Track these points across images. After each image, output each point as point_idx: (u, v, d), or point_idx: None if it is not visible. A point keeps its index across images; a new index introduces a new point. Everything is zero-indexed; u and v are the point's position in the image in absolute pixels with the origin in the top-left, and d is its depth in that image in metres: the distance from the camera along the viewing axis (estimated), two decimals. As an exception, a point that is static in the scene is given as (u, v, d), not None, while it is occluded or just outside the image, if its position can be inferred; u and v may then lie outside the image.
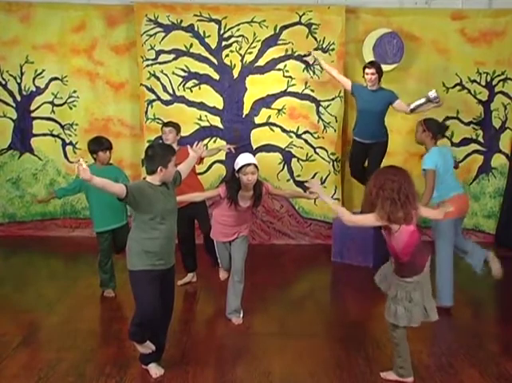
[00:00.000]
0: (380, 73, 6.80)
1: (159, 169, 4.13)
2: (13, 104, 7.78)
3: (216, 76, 7.60)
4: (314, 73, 7.57)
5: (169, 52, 7.53)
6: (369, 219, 4.07)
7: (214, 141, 7.62)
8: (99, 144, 5.65)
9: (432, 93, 6.50)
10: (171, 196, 4.26)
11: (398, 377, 4.31)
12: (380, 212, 3.96)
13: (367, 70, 6.80)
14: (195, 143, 4.78)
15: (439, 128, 5.64)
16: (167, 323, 4.42)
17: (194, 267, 6.23)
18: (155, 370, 4.37)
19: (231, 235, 5.24)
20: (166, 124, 6.12)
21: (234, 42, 7.53)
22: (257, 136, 7.69)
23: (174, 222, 4.30)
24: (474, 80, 7.72)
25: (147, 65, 7.53)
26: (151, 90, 7.58)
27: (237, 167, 4.95)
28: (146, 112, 7.61)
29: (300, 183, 7.76)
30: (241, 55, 7.56)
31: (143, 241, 4.13)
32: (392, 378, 4.33)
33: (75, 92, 7.71)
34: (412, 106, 6.64)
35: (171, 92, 7.61)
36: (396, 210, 3.94)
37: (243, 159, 4.97)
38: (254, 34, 7.51)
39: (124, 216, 5.79)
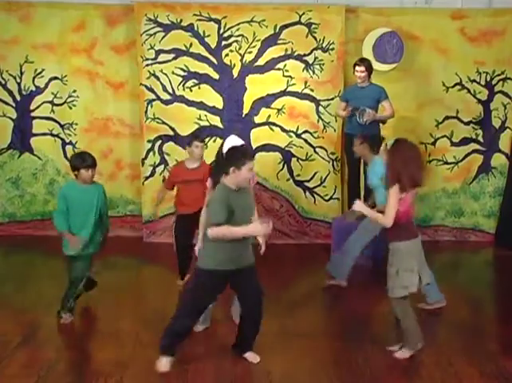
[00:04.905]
0: (369, 70, 6.98)
1: (231, 170, 4.19)
2: (13, 104, 7.77)
3: (216, 76, 7.60)
4: (314, 72, 7.58)
5: (169, 51, 7.52)
6: (394, 197, 4.39)
7: (214, 141, 7.61)
8: (81, 161, 5.12)
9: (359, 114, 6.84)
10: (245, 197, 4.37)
11: (412, 350, 4.63)
12: (405, 178, 4.36)
13: (357, 68, 6.97)
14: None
15: (374, 140, 5.98)
16: None
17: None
18: (165, 364, 4.39)
19: None
20: (198, 138, 5.96)
21: (233, 42, 7.53)
22: (257, 136, 7.68)
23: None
24: (474, 80, 7.72)
25: (147, 65, 7.53)
26: (151, 90, 7.58)
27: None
28: (146, 112, 7.60)
29: (300, 183, 7.77)
30: (240, 55, 7.55)
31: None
32: (407, 355, 4.62)
33: (75, 91, 7.70)
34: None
35: (170, 91, 7.60)
36: (419, 171, 4.44)
37: (233, 141, 4.68)
38: (254, 34, 7.50)
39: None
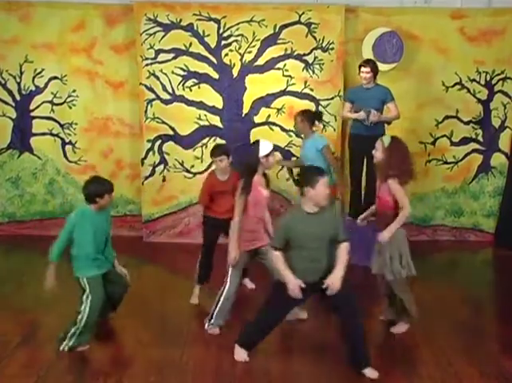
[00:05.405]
0: (375, 71, 6.92)
1: (306, 190, 4.29)
2: (13, 104, 7.76)
3: (215, 76, 7.59)
4: (314, 72, 7.57)
5: (168, 51, 7.51)
6: (399, 188, 4.90)
7: (214, 140, 7.61)
8: (104, 186, 4.90)
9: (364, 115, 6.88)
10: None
11: (407, 324, 5.15)
12: (403, 173, 4.91)
13: (362, 69, 6.92)
14: None
15: (314, 116, 6.51)
16: None
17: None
18: (243, 355, 4.66)
19: (260, 239, 5.15)
20: (215, 153, 5.71)
21: (233, 41, 7.52)
22: (257, 136, 7.61)
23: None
24: (474, 80, 7.71)
25: (147, 65, 7.52)
26: (151, 89, 7.57)
27: (265, 152, 5.02)
28: (145, 112, 7.59)
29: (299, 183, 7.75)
30: (240, 54, 7.55)
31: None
32: (404, 329, 5.14)
33: (74, 91, 7.69)
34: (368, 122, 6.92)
35: (170, 91, 7.60)
36: (412, 167, 5.02)
37: (268, 145, 5.09)
38: (254, 33, 7.50)
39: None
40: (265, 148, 5.03)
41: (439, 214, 8.00)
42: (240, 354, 4.65)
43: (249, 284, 6.23)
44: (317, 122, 6.56)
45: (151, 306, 5.71)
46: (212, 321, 5.12)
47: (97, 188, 4.85)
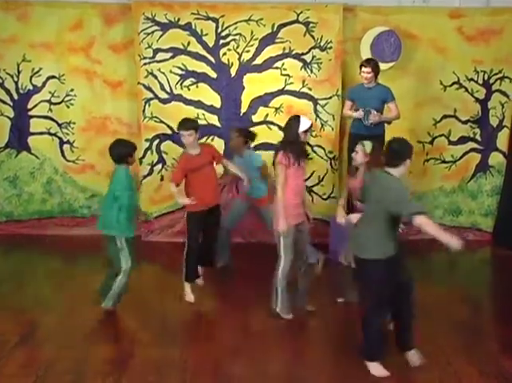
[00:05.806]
0: (375, 70, 6.88)
1: (408, 161, 4.35)
2: (11, 103, 7.74)
3: (214, 75, 7.59)
4: (312, 71, 7.57)
5: (166, 50, 7.51)
6: None
7: (212, 140, 7.61)
8: (130, 144, 5.53)
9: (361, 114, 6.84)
10: None
11: None
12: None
13: (363, 69, 6.88)
14: None
15: (249, 134, 6.51)
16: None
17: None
18: (380, 370, 4.42)
19: (302, 214, 5.38)
20: (184, 127, 5.71)
21: (231, 41, 7.51)
22: (255, 135, 7.67)
23: None
24: (472, 79, 7.71)
25: (145, 64, 7.51)
26: (149, 89, 7.56)
27: (305, 127, 5.25)
28: (143, 111, 7.59)
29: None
30: (238, 53, 7.54)
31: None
32: None
33: (72, 90, 7.68)
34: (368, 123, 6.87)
35: (168, 90, 7.59)
36: None
37: (307, 121, 5.32)
38: (252, 33, 7.49)
39: None
40: (305, 124, 5.25)
41: (438, 213, 8.00)
42: (377, 369, 4.45)
43: (199, 281, 6.17)
44: (249, 141, 6.57)
45: (150, 306, 5.71)
46: (278, 305, 5.29)
47: (126, 149, 5.44)
